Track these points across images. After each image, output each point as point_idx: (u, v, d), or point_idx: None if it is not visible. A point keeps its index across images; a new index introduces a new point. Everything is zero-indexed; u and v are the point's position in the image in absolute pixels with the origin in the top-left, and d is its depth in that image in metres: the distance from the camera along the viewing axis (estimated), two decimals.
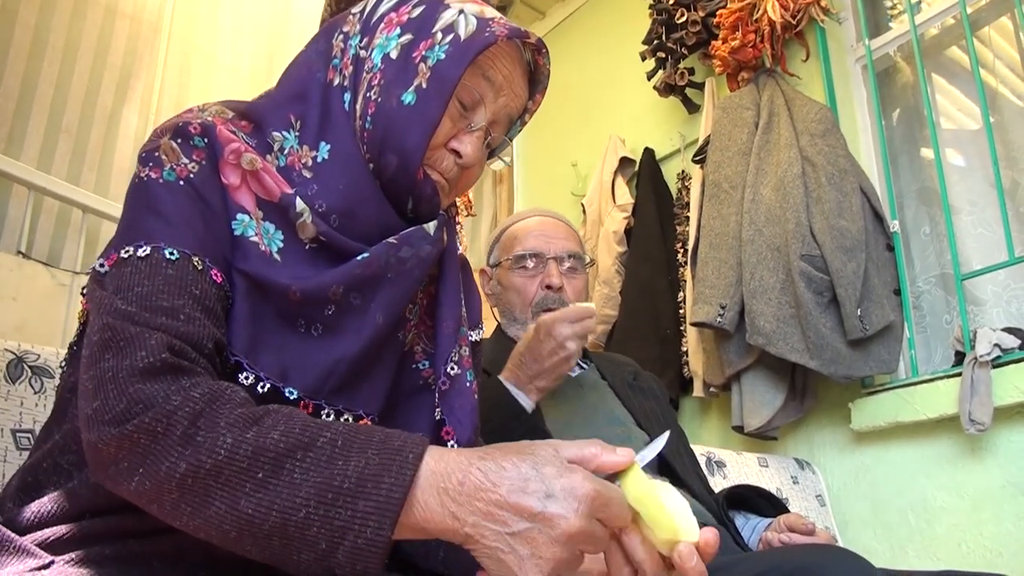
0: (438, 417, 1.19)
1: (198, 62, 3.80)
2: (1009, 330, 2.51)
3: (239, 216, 1.04)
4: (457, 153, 1.16)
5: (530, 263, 1.98)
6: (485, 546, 0.78)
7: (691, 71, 3.57)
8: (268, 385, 1.00)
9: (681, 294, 3.38)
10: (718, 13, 3.26)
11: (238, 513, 0.81)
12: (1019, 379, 2.39)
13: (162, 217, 1.00)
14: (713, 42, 3.28)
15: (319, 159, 1.11)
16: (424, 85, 1.10)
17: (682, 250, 3.44)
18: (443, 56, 1.11)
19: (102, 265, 1.00)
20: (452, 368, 1.21)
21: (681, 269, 3.42)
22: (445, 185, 1.18)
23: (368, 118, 1.12)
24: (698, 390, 3.20)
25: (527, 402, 1.68)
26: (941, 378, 2.62)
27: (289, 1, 4.29)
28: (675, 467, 1.82)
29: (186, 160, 1.03)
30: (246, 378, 0.99)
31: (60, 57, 3.28)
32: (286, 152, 1.12)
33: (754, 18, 3.12)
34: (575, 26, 4.68)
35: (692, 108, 3.67)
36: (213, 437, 0.84)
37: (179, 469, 0.83)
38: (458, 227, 1.37)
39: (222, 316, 1.00)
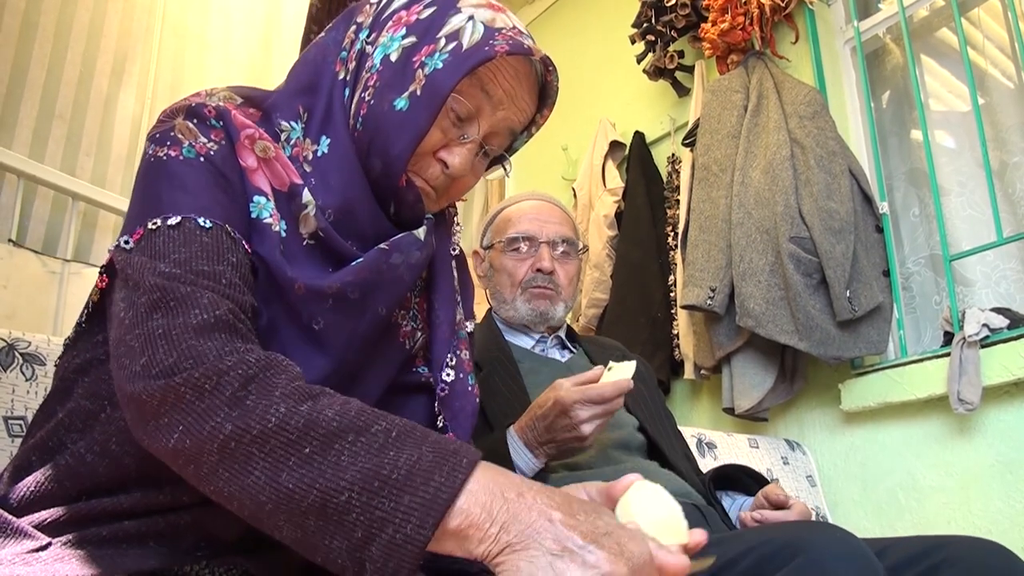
0: (440, 424, 1.20)
1: (193, 45, 3.78)
2: (997, 310, 2.52)
3: (256, 198, 1.04)
4: (444, 164, 1.14)
5: (523, 246, 1.98)
6: (523, 556, 0.74)
7: (681, 54, 3.56)
8: None
9: (671, 277, 3.39)
10: None
11: (277, 485, 0.79)
12: (1007, 359, 2.40)
13: (187, 191, 0.99)
14: (702, 25, 3.28)
15: (319, 153, 1.11)
16: (418, 92, 1.08)
17: (672, 233, 3.45)
18: (440, 65, 1.09)
19: (127, 242, 0.99)
20: (448, 374, 1.22)
21: (671, 252, 3.43)
22: (431, 192, 1.17)
23: (360, 119, 1.11)
24: (689, 372, 3.21)
25: (533, 462, 1.58)
26: (930, 358, 2.63)
27: None
28: (663, 449, 1.83)
29: (204, 139, 1.03)
30: None
31: (52, 40, 3.25)
32: (292, 142, 1.11)
33: (743, 1, 3.11)
34: (564, 9, 4.66)
35: (682, 91, 3.67)
36: (266, 404, 0.82)
37: (224, 430, 0.82)
38: (456, 228, 1.36)
39: (255, 287, 1.00)
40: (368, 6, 1.19)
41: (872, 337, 2.67)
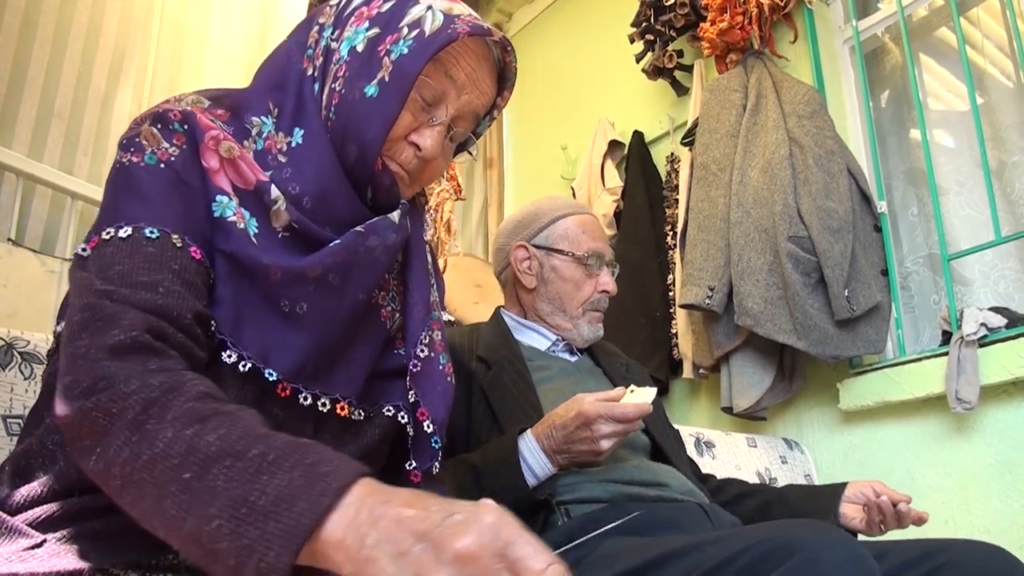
0: (412, 399, 1.22)
1: (191, 44, 3.77)
2: (996, 309, 2.52)
3: (219, 198, 1.07)
4: (417, 146, 1.19)
5: (594, 262, 2.01)
6: (377, 570, 0.70)
7: (680, 53, 3.56)
8: (250, 364, 1.03)
9: (670, 276, 3.39)
10: None
11: (163, 512, 0.79)
12: (1005, 358, 2.40)
13: (143, 198, 1.03)
14: (701, 24, 3.28)
15: (293, 144, 1.15)
16: (386, 79, 1.13)
17: (671, 232, 3.45)
18: (406, 51, 1.14)
19: (84, 249, 1.02)
20: (423, 351, 1.25)
21: (670, 252, 3.43)
22: (405, 176, 1.22)
23: (332, 109, 1.16)
24: (687, 372, 3.21)
25: (548, 467, 1.58)
26: (928, 357, 2.64)
27: None
28: (666, 451, 1.83)
29: (167, 145, 1.06)
30: (229, 356, 1.02)
31: (51, 39, 3.25)
32: (264, 136, 1.15)
33: (742, 0, 3.12)
34: (564, 9, 4.67)
35: (681, 91, 3.67)
36: (158, 429, 0.82)
37: (122, 455, 0.82)
38: (428, 215, 1.40)
39: (204, 290, 1.02)
40: (329, 7, 1.24)
41: (870, 336, 2.68)
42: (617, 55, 4.01)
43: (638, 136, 3.79)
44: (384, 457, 1.27)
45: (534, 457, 1.57)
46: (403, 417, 1.23)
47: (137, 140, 1.06)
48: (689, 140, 3.28)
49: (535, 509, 1.56)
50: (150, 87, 3.59)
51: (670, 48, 3.56)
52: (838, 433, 2.88)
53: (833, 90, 3.16)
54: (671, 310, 3.35)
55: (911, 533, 1.86)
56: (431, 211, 2.77)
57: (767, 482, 2.65)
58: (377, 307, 1.24)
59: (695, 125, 3.24)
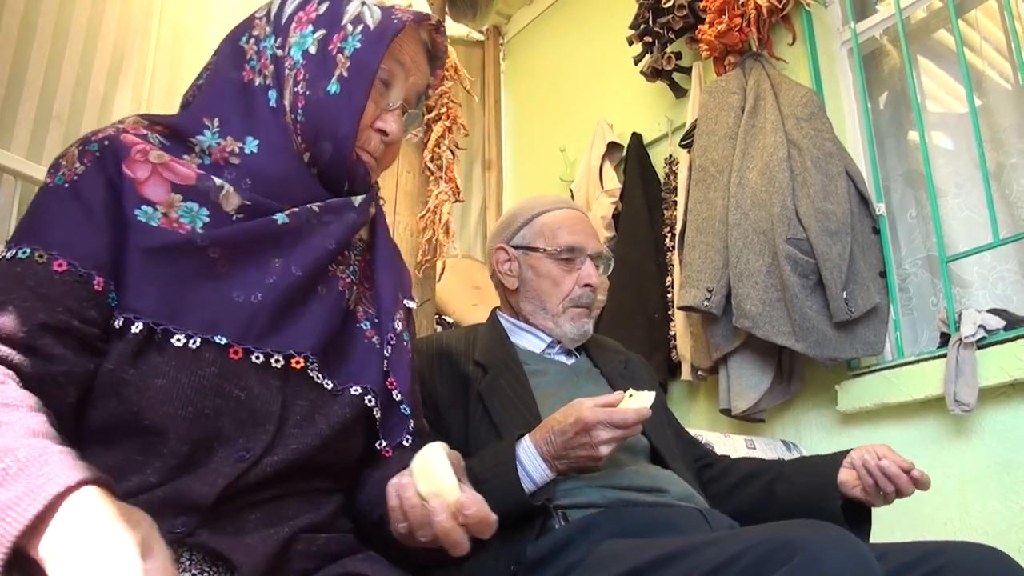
0: (385, 368, 1.31)
1: (190, 45, 3.77)
2: (994, 311, 2.52)
3: (143, 207, 1.12)
4: (383, 132, 1.29)
5: (571, 257, 1.97)
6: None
7: (678, 55, 3.56)
8: (198, 339, 1.10)
9: (669, 278, 3.39)
10: None
11: None
12: (1004, 360, 2.40)
13: (39, 219, 1.12)
14: (700, 26, 3.28)
15: (247, 151, 1.21)
16: (345, 74, 1.22)
17: (669, 234, 3.45)
18: (359, 45, 1.23)
19: None
20: (398, 325, 1.33)
21: (669, 253, 3.43)
22: (374, 164, 1.31)
23: (299, 111, 1.22)
24: (686, 374, 3.21)
25: (546, 474, 1.56)
26: (927, 359, 2.64)
27: None
28: (664, 455, 1.81)
29: (78, 165, 1.13)
30: (178, 340, 1.09)
31: (50, 41, 3.25)
32: (208, 150, 1.20)
33: (740, 2, 3.11)
34: (562, 11, 4.67)
35: (679, 92, 3.68)
36: None
37: None
38: (381, 202, 1.46)
39: (71, 298, 1.07)
40: (258, 20, 1.29)
41: (869, 338, 2.68)
42: (615, 57, 4.01)
43: (636, 138, 3.79)
44: (360, 439, 1.31)
45: (532, 463, 1.56)
46: (370, 400, 1.28)
47: (60, 162, 1.14)
48: (687, 142, 3.28)
49: (532, 514, 1.55)
50: (149, 89, 3.60)
51: (668, 50, 3.56)
52: (836, 435, 2.88)
53: (831, 92, 3.16)
54: (669, 312, 3.35)
55: (909, 534, 1.86)
56: (429, 213, 2.77)
57: None
58: (336, 277, 1.28)
59: (693, 127, 3.23)
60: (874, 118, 3.18)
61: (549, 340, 1.98)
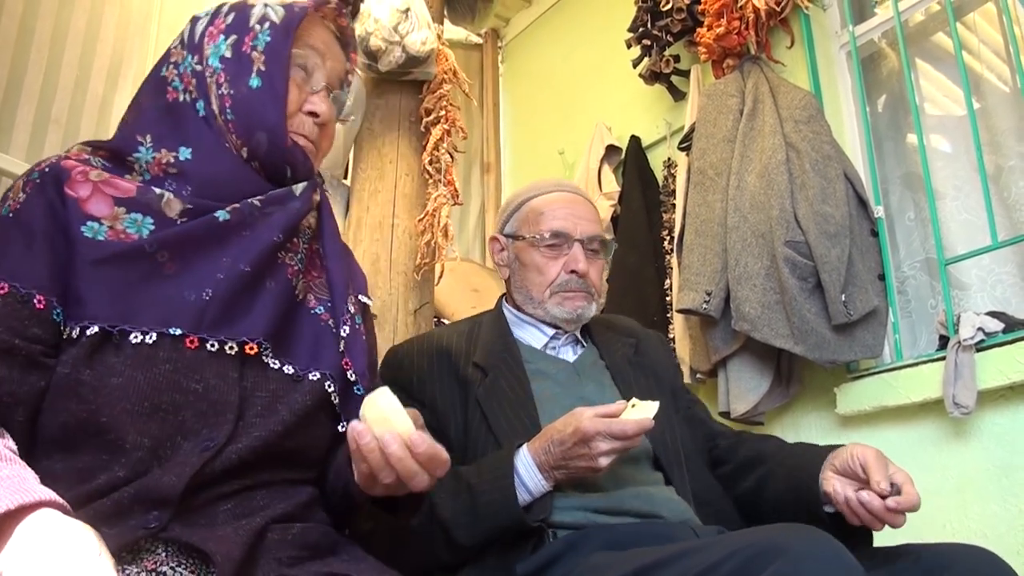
0: (340, 348, 1.36)
1: None
2: (993, 314, 2.52)
3: (88, 223, 1.19)
4: (313, 114, 1.35)
5: (556, 243, 1.91)
6: None
7: (676, 58, 3.57)
8: (154, 334, 1.16)
9: (667, 281, 3.39)
10: (703, 0, 3.26)
11: None
12: (1003, 363, 2.40)
13: None
14: (698, 29, 3.28)
15: (182, 158, 1.27)
16: (263, 67, 1.29)
17: (668, 237, 3.45)
18: (269, 38, 1.30)
19: None
20: (351, 307, 1.39)
21: (667, 256, 3.43)
22: (312, 148, 1.37)
23: (227, 111, 1.29)
24: (685, 376, 3.20)
25: (542, 484, 1.54)
26: (925, 362, 2.64)
27: None
28: (663, 462, 1.76)
29: (22, 195, 1.20)
30: (135, 338, 1.15)
31: (48, 44, 3.25)
32: (146, 165, 1.27)
33: (739, 5, 3.12)
34: (561, 14, 4.67)
35: (678, 95, 3.68)
36: None
37: None
38: (327, 189, 1.53)
39: (10, 316, 1.12)
40: (174, 49, 1.37)
41: (867, 341, 2.68)
42: (614, 60, 4.01)
43: (635, 141, 3.80)
44: (325, 427, 1.35)
45: (529, 474, 1.54)
46: (330, 385, 1.33)
47: (8, 194, 1.22)
48: (686, 145, 3.28)
49: (529, 533, 1.53)
50: None
51: (667, 53, 3.57)
52: (835, 438, 2.87)
53: (830, 95, 3.16)
54: (668, 315, 3.35)
55: (908, 537, 1.86)
56: (427, 216, 2.77)
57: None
58: (284, 265, 1.32)
59: (692, 130, 3.23)
60: (872, 121, 3.18)
61: (551, 334, 1.94)
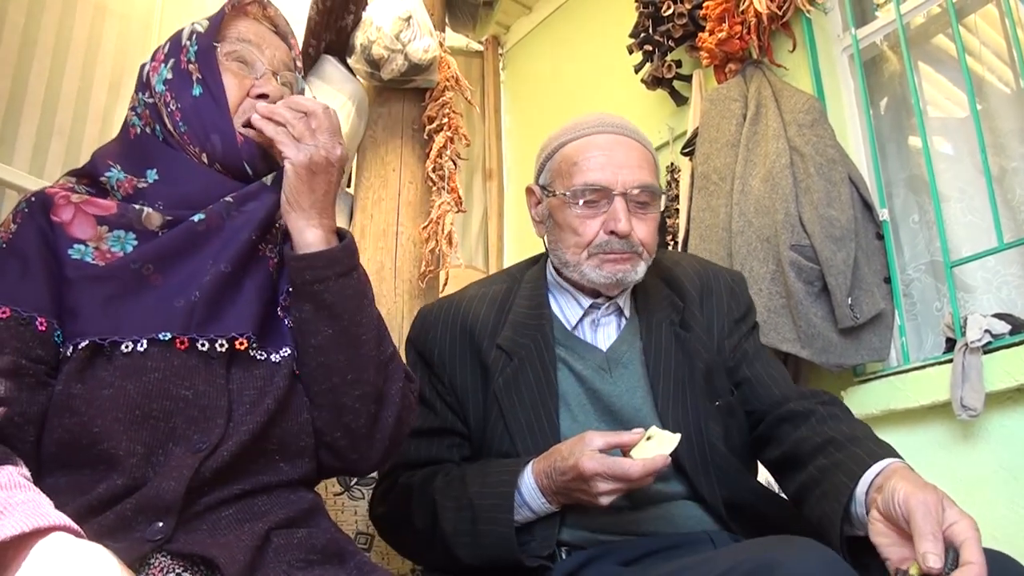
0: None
1: None
2: (999, 316, 2.52)
3: (75, 246, 1.23)
4: (263, 96, 1.36)
5: (593, 198, 1.61)
6: None
7: (678, 64, 3.57)
8: (144, 341, 1.18)
9: None
10: (704, 5, 3.26)
11: None
12: (1010, 364, 2.40)
13: None
14: (700, 34, 3.29)
15: (150, 180, 1.30)
16: (200, 76, 1.33)
17: (672, 242, 3.45)
18: (197, 47, 1.35)
19: None
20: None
21: None
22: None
23: (180, 124, 1.32)
24: None
25: (545, 507, 1.47)
26: (932, 365, 2.63)
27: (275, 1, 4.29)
28: (686, 468, 1.57)
29: (12, 225, 1.23)
30: (126, 347, 1.17)
31: (51, 56, 3.26)
32: (116, 184, 1.30)
33: (740, 9, 3.12)
34: (562, 20, 4.68)
35: (680, 101, 3.68)
36: None
37: None
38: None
39: (14, 338, 1.15)
40: (132, 96, 1.42)
41: (874, 344, 2.67)
42: (615, 66, 4.01)
43: None
44: (304, 407, 1.34)
45: (532, 495, 1.48)
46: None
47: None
48: (689, 150, 3.28)
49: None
50: None
51: (669, 58, 3.57)
52: None
53: (833, 98, 3.16)
54: None
55: None
56: (432, 223, 2.77)
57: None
58: (265, 258, 1.35)
59: (695, 135, 3.24)
60: (876, 124, 3.18)
61: (587, 304, 1.69)
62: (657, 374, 1.63)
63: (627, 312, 1.72)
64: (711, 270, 1.85)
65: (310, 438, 1.32)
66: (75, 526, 0.94)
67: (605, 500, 1.39)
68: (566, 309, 1.71)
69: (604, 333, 1.71)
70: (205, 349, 1.21)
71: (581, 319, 1.70)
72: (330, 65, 2.90)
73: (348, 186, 3.12)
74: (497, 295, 1.76)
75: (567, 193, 1.62)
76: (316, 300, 1.29)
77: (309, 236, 1.30)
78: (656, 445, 1.39)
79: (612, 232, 1.59)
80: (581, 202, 1.61)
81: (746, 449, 1.68)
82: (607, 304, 1.70)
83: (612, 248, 1.60)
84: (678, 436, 1.39)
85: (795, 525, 1.48)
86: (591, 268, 1.61)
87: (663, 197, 1.70)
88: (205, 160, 1.33)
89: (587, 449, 1.38)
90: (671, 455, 1.38)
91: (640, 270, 1.64)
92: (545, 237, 1.74)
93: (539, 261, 1.83)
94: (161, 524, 1.11)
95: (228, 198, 1.30)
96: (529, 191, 1.79)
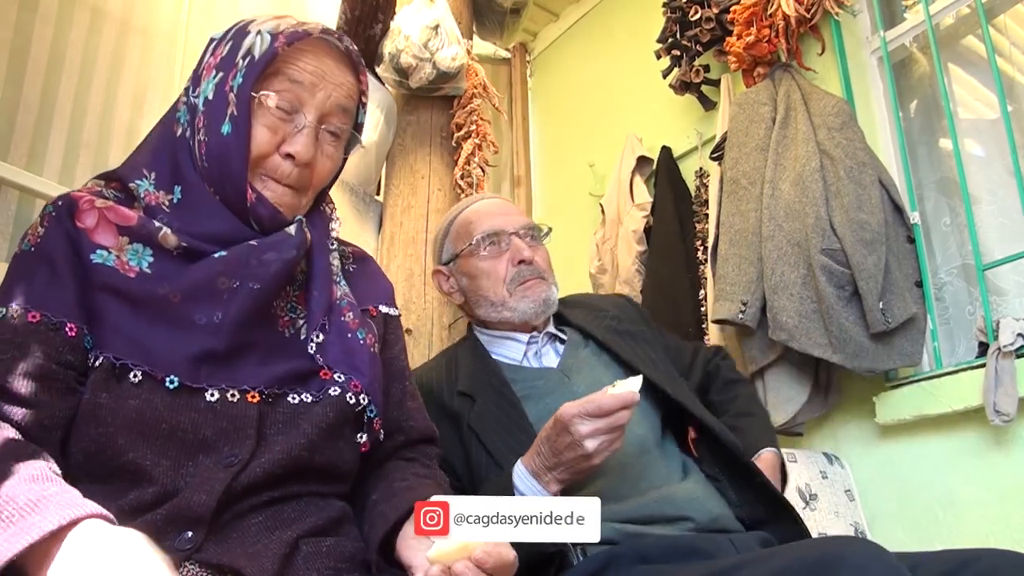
0: (342, 378, 1.31)
1: None
2: None
3: (98, 251, 1.21)
4: (290, 156, 1.29)
5: (495, 241, 1.92)
6: None
7: (706, 68, 3.56)
8: (140, 373, 1.16)
9: (702, 292, 3.37)
10: (732, 9, 3.25)
11: None
12: None
13: (9, 284, 1.21)
14: (728, 38, 3.28)
15: (175, 200, 1.28)
16: (235, 112, 1.25)
17: (702, 248, 3.44)
18: (241, 80, 1.26)
19: None
20: (317, 336, 1.32)
21: (701, 267, 3.41)
22: (288, 191, 1.31)
23: (203, 158, 1.28)
24: None
25: (542, 492, 1.52)
26: (965, 369, 2.61)
27: (303, 11, 4.32)
28: (664, 387, 1.80)
29: (40, 229, 1.23)
30: (134, 376, 1.16)
31: (78, 71, 3.30)
32: (143, 196, 1.28)
33: (768, 13, 3.11)
34: (589, 27, 4.68)
35: (708, 105, 3.67)
36: None
37: None
38: (334, 223, 1.47)
39: (44, 343, 1.15)
40: (193, 72, 1.36)
41: (906, 349, 2.65)
42: (644, 71, 4.01)
43: (666, 151, 3.78)
44: (351, 440, 1.33)
45: (526, 484, 1.52)
46: (351, 398, 1.30)
47: (28, 231, 1.25)
48: (718, 154, 3.28)
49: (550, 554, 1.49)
50: None
51: (697, 63, 3.56)
52: (875, 448, 2.85)
53: (862, 101, 3.14)
54: (703, 325, 3.34)
55: (949, 546, 1.84)
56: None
57: (807, 498, 2.63)
58: (275, 316, 1.31)
59: (723, 139, 3.23)
60: (905, 126, 3.16)
61: (526, 339, 1.92)
62: (621, 351, 1.86)
63: (563, 336, 1.95)
64: (605, 297, 2.20)
65: (350, 466, 1.33)
66: (108, 514, 0.96)
67: (591, 444, 1.44)
68: (507, 353, 1.92)
69: (549, 358, 1.92)
70: (215, 399, 1.20)
71: (524, 354, 1.91)
72: None
73: (377, 194, 3.14)
74: (441, 365, 1.93)
75: (471, 243, 1.92)
76: None
77: None
78: (620, 390, 1.47)
79: (520, 262, 1.89)
80: (486, 246, 1.91)
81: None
82: (542, 334, 1.93)
83: (524, 276, 1.89)
84: (639, 377, 1.50)
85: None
86: (516, 301, 1.88)
87: (549, 233, 2.03)
88: (219, 199, 1.29)
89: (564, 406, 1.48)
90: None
91: (553, 292, 1.93)
92: (465, 303, 1.99)
93: (467, 337, 2.02)
94: (191, 534, 1.11)
95: (253, 242, 1.26)
96: (437, 273, 2.04)
